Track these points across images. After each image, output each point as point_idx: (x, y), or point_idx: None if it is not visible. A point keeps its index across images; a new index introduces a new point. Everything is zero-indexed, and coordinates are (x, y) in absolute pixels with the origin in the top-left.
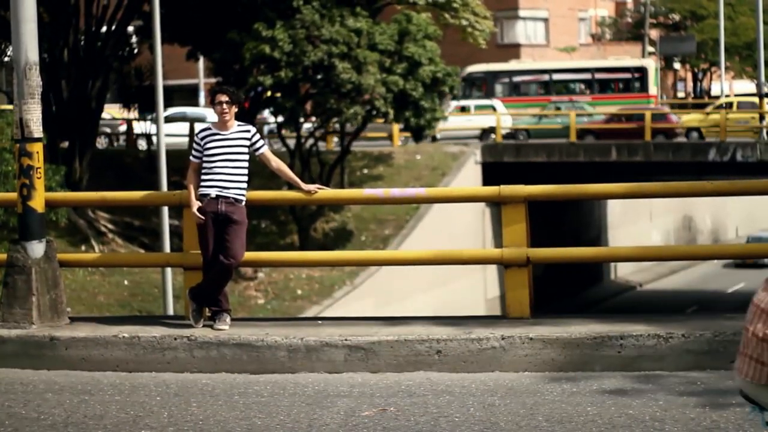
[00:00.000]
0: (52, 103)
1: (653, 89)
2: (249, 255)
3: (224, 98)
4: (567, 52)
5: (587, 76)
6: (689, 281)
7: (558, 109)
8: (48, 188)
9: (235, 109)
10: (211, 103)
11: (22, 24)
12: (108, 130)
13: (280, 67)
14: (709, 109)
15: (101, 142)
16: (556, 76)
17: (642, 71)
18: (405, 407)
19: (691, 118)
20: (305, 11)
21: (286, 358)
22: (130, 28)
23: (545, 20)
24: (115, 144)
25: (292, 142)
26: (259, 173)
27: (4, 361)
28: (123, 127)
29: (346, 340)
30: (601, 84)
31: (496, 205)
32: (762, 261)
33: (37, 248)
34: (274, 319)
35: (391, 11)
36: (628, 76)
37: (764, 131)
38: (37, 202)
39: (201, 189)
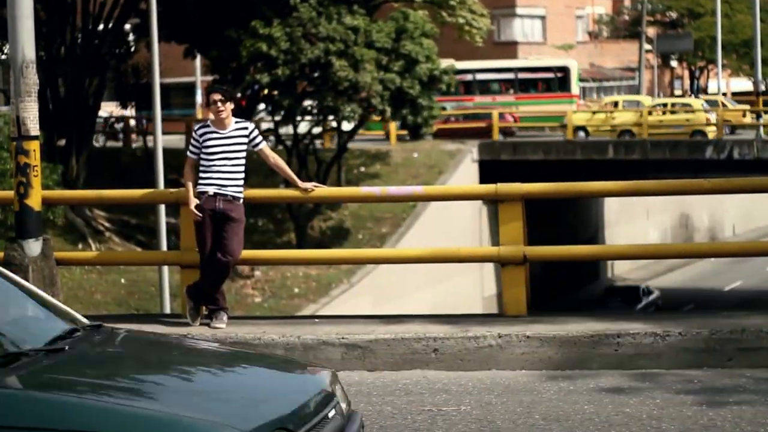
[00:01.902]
0: (49, 101)
1: (575, 89)
2: (246, 253)
3: (218, 96)
4: (564, 49)
5: (510, 75)
6: (686, 279)
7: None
8: (45, 186)
9: (230, 106)
10: (206, 105)
11: (19, 21)
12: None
13: (277, 65)
14: (594, 107)
15: (98, 140)
16: (479, 76)
17: (564, 71)
18: (402, 405)
19: (577, 117)
20: (302, 9)
21: None
22: (127, 26)
23: (542, 18)
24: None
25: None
26: (257, 171)
27: None
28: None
29: (343, 338)
30: (524, 84)
31: (493, 203)
32: None
33: (34, 246)
34: (271, 317)
35: (388, 9)
36: (550, 75)
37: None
38: (34, 201)
39: (199, 186)
